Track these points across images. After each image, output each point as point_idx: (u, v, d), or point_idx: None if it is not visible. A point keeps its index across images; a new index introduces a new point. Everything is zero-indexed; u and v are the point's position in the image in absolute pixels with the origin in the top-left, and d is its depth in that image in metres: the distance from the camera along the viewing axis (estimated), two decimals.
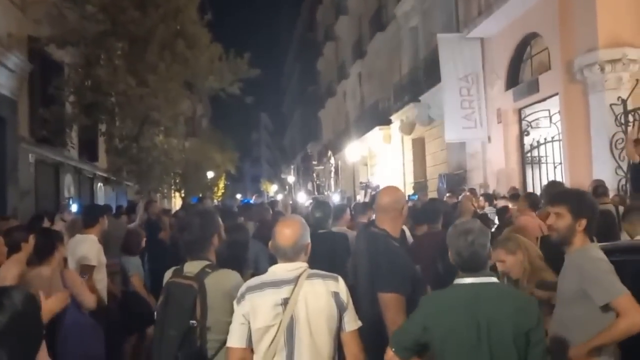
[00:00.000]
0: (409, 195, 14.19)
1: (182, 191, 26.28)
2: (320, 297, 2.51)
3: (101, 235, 5.49)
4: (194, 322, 2.69)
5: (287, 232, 2.61)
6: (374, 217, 3.66)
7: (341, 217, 5.88)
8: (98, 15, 12.01)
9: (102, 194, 18.13)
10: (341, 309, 2.53)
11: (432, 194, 16.35)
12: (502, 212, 6.18)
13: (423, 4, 18.12)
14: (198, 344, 2.70)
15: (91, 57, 12.24)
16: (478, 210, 8.06)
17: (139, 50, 12.23)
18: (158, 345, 2.78)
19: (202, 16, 14.22)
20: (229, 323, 2.64)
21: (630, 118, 9.31)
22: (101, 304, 4.80)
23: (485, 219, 5.94)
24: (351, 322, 2.57)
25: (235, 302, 2.57)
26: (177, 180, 22.17)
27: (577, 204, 2.78)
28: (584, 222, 2.71)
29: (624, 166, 8.91)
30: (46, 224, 7.41)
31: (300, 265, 2.59)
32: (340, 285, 2.56)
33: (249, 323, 2.49)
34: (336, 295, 2.53)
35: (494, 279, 2.48)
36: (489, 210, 8.37)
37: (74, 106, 12.63)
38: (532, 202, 6.03)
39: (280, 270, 2.59)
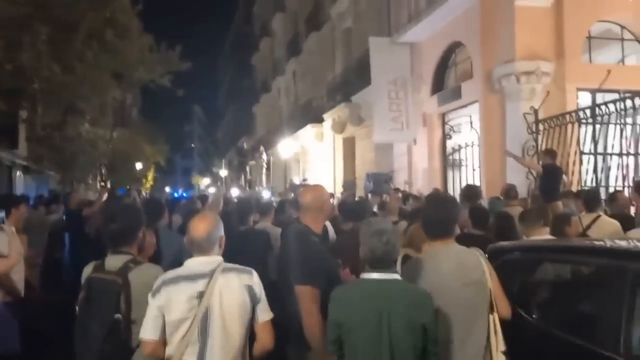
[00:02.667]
0: None
1: (109, 182, 25.53)
2: (234, 291, 2.62)
3: (20, 225, 5.36)
4: (119, 316, 2.74)
5: (200, 226, 2.70)
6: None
7: (267, 214, 6.10)
8: None
9: (21, 183, 17.33)
10: (254, 301, 2.67)
11: (360, 192, 16.78)
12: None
13: (357, 7, 18.51)
14: (123, 337, 2.75)
15: (13, 40, 11.71)
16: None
17: (65, 36, 11.81)
18: (81, 340, 2.80)
19: (133, 5, 13.92)
20: None
21: (541, 127, 10.01)
22: (17, 295, 4.71)
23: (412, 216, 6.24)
24: (264, 313, 2.70)
25: (150, 295, 2.62)
26: (103, 171, 21.56)
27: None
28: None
29: (534, 172, 9.57)
30: None
31: (215, 259, 2.69)
32: (253, 279, 2.69)
33: (163, 316, 2.57)
34: (249, 288, 2.65)
35: (397, 276, 2.66)
36: None
37: None
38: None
39: (195, 263, 2.67)
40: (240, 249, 4.51)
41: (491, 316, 2.74)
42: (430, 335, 2.54)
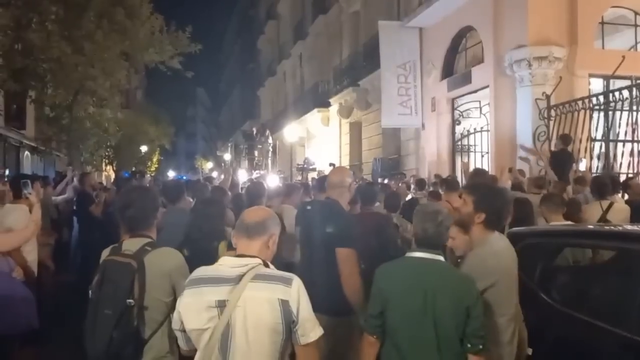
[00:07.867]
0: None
1: (114, 164, 25.57)
2: (262, 305, 2.15)
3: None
4: (130, 301, 2.55)
5: (253, 211, 2.44)
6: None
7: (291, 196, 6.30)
8: None
9: (28, 164, 17.36)
10: (288, 320, 2.17)
11: (367, 177, 16.78)
12: (433, 195, 6.58)
13: None
14: (135, 324, 2.58)
15: (22, 19, 11.64)
16: (410, 195, 8.42)
17: (74, 16, 11.73)
18: (92, 326, 2.62)
19: None
20: (167, 303, 2.63)
21: (553, 113, 9.96)
22: (31, 276, 4.72)
23: (415, 204, 6.25)
24: (307, 334, 2.21)
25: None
26: (110, 153, 21.57)
27: (480, 199, 2.93)
28: (482, 215, 2.87)
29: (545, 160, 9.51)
30: None
31: (249, 262, 2.25)
32: (291, 291, 2.18)
33: (182, 324, 2.26)
34: (284, 304, 2.15)
35: (441, 258, 2.70)
36: (420, 195, 8.75)
37: (2, 70, 12.00)
38: (448, 186, 6.43)
39: (227, 264, 2.28)
40: None
41: None
42: (473, 316, 2.54)
